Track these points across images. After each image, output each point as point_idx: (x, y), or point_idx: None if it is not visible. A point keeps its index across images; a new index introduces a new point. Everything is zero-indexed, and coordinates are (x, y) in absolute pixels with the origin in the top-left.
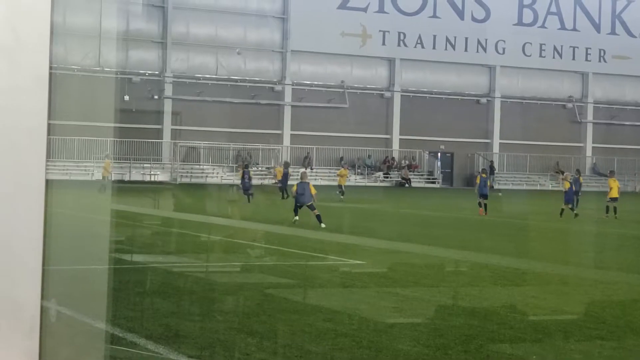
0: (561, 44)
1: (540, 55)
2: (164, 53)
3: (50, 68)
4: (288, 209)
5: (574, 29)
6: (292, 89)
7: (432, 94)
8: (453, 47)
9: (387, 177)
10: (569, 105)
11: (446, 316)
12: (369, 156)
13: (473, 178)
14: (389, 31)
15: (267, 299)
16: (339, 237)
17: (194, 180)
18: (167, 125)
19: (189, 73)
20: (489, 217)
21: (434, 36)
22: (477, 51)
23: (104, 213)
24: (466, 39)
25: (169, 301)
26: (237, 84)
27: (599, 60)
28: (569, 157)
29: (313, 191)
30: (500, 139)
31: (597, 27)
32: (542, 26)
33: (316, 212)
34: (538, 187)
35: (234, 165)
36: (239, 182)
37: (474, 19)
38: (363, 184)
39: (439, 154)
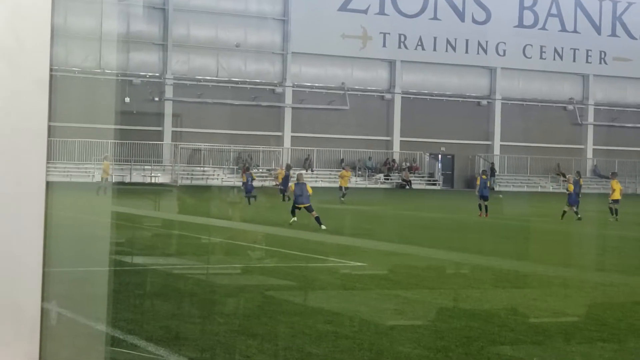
0: (562, 45)
1: (541, 57)
2: (165, 55)
3: (51, 70)
4: (288, 211)
5: (575, 31)
6: (293, 90)
7: (432, 95)
8: (454, 49)
9: (388, 179)
10: (570, 107)
11: (447, 318)
12: (370, 158)
13: (474, 180)
14: (389, 33)
15: (268, 301)
16: (340, 238)
17: (194, 182)
18: (168, 127)
19: (189, 75)
20: (490, 219)
21: (435, 38)
22: (478, 53)
23: (105, 215)
24: (467, 40)
25: (170, 303)
26: (238, 85)
27: (600, 62)
28: (570, 159)
29: (310, 191)
30: (501, 140)
31: (598, 29)
32: (543, 28)
33: (314, 214)
34: (539, 189)
35: (235, 167)
36: (239, 184)
37: (474, 21)
38: (364, 186)
39: (440, 156)
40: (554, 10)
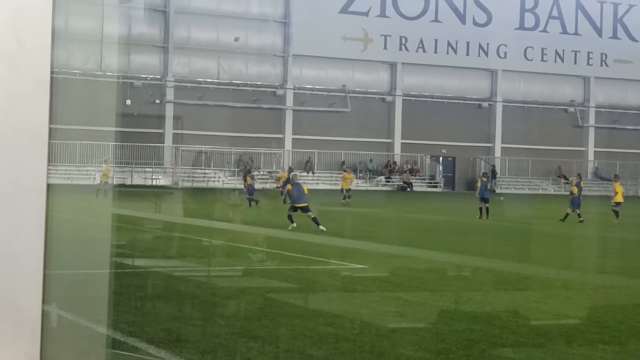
0: (563, 48)
1: (542, 60)
2: (166, 57)
3: (52, 72)
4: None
5: (576, 33)
6: (294, 93)
7: (433, 98)
8: (455, 51)
9: (389, 181)
10: (571, 109)
11: (448, 321)
12: (371, 160)
13: (475, 182)
14: (390, 35)
15: (269, 303)
16: (341, 241)
17: (195, 185)
18: (169, 130)
19: (190, 77)
20: (491, 221)
21: (436, 40)
22: (479, 55)
23: (106, 217)
24: (468, 43)
25: (171, 305)
26: (239, 88)
27: (601, 65)
28: (571, 162)
29: (305, 191)
30: (502, 143)
31: (599, 31)
32: (544, 30)
33: (311, 214)
34: (540, 192)
35: (236, 170)
36: (241, 186)
37: (475, 23)
38: (365, 188)
39: (441, 158)
40: (555, 13)
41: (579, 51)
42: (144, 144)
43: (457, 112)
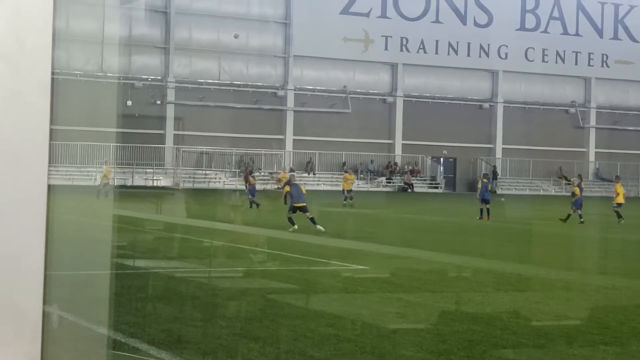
0: (564, 49)
1: (543, 60)
2: (167, 58)
3: (53, 73)
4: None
5: (577, 34)
6: (295, 94)
7: (434, 99)
8: (455, 52)
9: (390, 182)
10: (572, 110)
11: (449, 321)
12: (372, 161)
13: (476, 183)
14: (391, 36)
15: (270, 304)
16: (342, 242)
17: (196, 186)
18: (170, 131)
19: (191, 78)
20: (492, 222)
21: (437, 41)
22: (480, 56)
23: (106, 218)
24: (469, 44)
25: (172, 306)
26: (240, 89)
27: (602, 65)
28: (572, 162)
29: (303, 191)
30: (503, 144)
31: (600, 32)
32: (545, 31)
33: (309, 214)
34: (541, 192)
35: (237, 171)
36: (242, 187)
37: (476, 24)
38: (366, 189)
39: (442, 159)
40: (555, 13)
41: (580, 52)
42: (145, 145)
43: (458, 113)
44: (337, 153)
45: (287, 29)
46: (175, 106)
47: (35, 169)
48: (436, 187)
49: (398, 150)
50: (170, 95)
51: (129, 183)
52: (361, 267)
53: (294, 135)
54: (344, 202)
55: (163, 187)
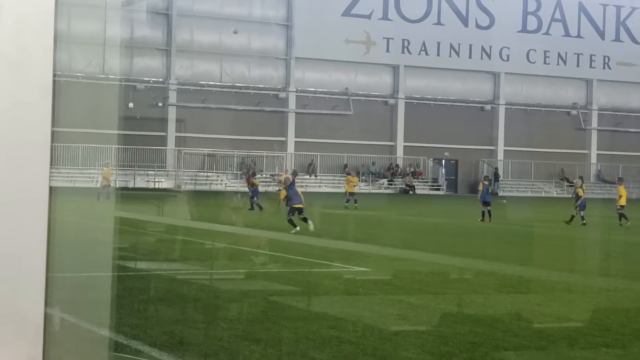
0: (565, 50)
1: (545, 62)
2: (168, 60)
3: (54, 75)
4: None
5: (578, 36)
6: (296, 96)
7: (436, 100)
8: (457, 54)
9: (392, 184)
10: (574, 112)
11: (451, 324)
12: (373, 163)
13: (477, 185)
14: (393, 38)
15: (271, 306)
16: (343, 244)
17: (198, 188)
18: (172, 133)
19: (193, 80)
20: (493, 224)
21: (438, 43)
22: (482, 58)
23: (108, 220)
24: (470, 45)
25: (173, 308)
26: (242, 91)
27: (604, 67)
28: (574, 164)
29: (299, 192)
30: (505, 145)
31: (602, 34)
32: (547, 33)
33: (303, 215)
34: (543, 194)
35: (239, 173)
36: (243, 189)
37: (478, 26)
38: (367, 191)
39: (444, 161)
40: (557, 15)
41: (582, 54)
42: (147, 147)
43: (459, 115)
44: (338, 155)
45: (289, 31)
46: (177, 108)
47: (37, 170)
48: (438, 189)
49: (400, 152)
50: (172, 97)
51: (131, 185)
52: (363, 269)
53: (296, 137)
54: (346, 204)
55: (164, 189)
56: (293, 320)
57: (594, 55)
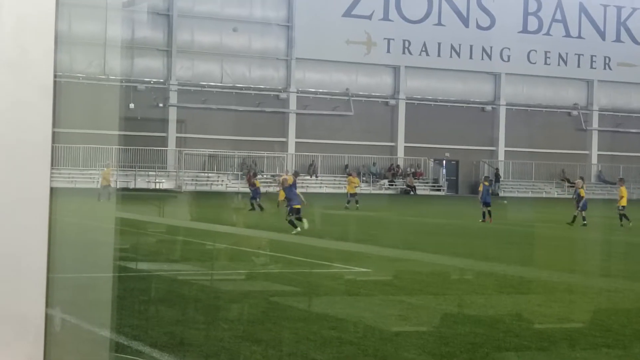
0: (566, 51)
1: (545, 63)
2: (169, 61)
3: (55, 76)
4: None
5: (579, 37)
6: (297, 96)
7: (437, 101)
8: (458, 54)
9: (392, 185)
10: (574, 112)
11: (452, 324)
12: (374, 164)
13: (478, 186)
14: (393, 39)
15: (272, 306)
16: (344, 244)
17: (199, 188)
18: (172, 133)
19: (193, 81)
20: (494, 224)
21: (439, 44)
22: (482, 59)
23: (109, 221)
24: (471, 46)
25: (174, 309)
26: (242, 91)
27: (604, 68)
28: (575, 165)
29: (299, 193)
30: (506, 146)
31: (602, 35)
32: (547, 34)
33: (299, 215)
34: (543, 195)
35: (239, 173)
36: (245, 190)
37: (478, 27)
38: (368, 192)
39: (444, 162)
40: (558, 16)
41: (582, 54)
42: (148, 148)
43: (460, 116)
44: (339, 156)
45: (290, 31)
46: (178, 109)
47: (38, 171)
48: (438, 190)
49: (400, 152)
50: (173, 98)
51: (132, 186)
52: (363, 269)
53: (297, 137)
54: (347, 204)
55: (165, 190)
56: (294, 321)
57: (595, 55)
